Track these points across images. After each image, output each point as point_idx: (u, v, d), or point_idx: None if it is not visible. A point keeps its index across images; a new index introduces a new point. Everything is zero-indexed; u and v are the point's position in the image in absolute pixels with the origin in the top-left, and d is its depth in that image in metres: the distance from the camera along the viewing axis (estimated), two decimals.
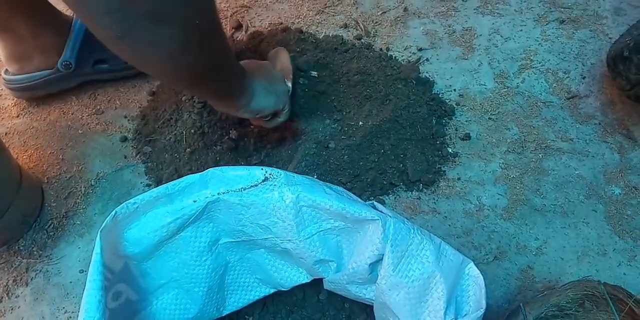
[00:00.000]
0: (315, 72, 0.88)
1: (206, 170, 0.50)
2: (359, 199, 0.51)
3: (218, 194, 0.49)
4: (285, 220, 0.49)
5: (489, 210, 0.80)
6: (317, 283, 0.60)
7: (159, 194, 0.48)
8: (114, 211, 0.46)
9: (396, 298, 0.46)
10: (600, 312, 0.61)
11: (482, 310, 0.45)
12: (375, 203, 0.51)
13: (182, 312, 0.53)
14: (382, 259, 0.47)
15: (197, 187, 0.49)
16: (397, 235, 0.46)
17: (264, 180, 0.49)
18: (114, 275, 0.44)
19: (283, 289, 0.59)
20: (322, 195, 0.48)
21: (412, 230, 0.47)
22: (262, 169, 0.49)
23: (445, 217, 0.80)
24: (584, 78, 0.95)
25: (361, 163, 0.83)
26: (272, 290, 0.60)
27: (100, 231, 0.45)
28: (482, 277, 0.47)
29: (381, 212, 0.48)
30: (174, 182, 0.48)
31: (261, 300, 0.62)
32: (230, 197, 0.50)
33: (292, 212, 0.48)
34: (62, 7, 1.06)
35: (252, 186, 0.49)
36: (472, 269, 0.47)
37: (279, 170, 0.49)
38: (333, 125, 0.85)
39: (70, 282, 0.77)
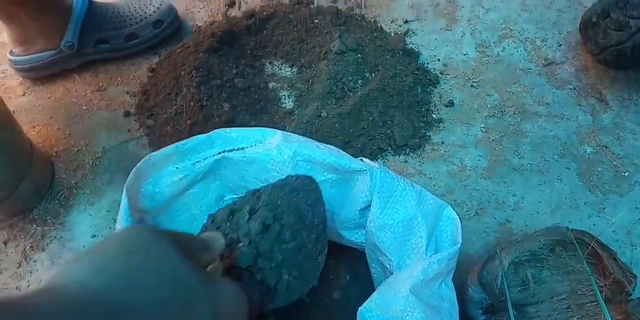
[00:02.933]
0: None
1: (212, 131, 0.55)
2: (348, 155, 0.56)
3: (223, 152, 0.55)
4: (284, 173, 0.55)
5: (470, 170, 0.87)
6: None
7: (170, 152, 0.53)
8: (135, 167, 0.52)
9: (383, 238, 0.52)
10: (569, 256, 0.68)
11: (459, 245, 0.51)
12: (364, 158, 0.56)
13: None
14: (370, 205, 0.53)
15: (204, 146, 0.55)
16: (383, 184, 0.52)
17: (263, 140, 0.54)
18: None
19: None
20: (315, 151, 0.53)
21: (396, 179, 0.53)
22: (261, 129, 0.55)
23: (430, 177, 0.86)
24: (560, 46, 1.01)
25: (352, 130, 0.89)
26: None
27: (125, 186, 0.50)
28: (458, 217, 0.53)
29: (369, 164, 0.54)
30: (184, 141, 0.54)
31: None
32: (234, 155, 0.55)
33: (290, 166, 0.54)
34: None
35: (253, 145, 0.55)
36: (449, 211, 0.54)
37: (275, 130, 0.55)
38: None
39: (84, 246, 0.82)
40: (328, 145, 0.57)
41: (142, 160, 0.52)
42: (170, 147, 0.54)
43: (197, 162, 0.55)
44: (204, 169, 0.55)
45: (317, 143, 0.56)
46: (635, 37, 0.77)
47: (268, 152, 0.54)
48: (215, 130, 0.55)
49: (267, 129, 0.55)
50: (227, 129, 0.55)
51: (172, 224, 0.58)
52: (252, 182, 0.58)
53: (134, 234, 0.34)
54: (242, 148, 0.55)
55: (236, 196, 0.60)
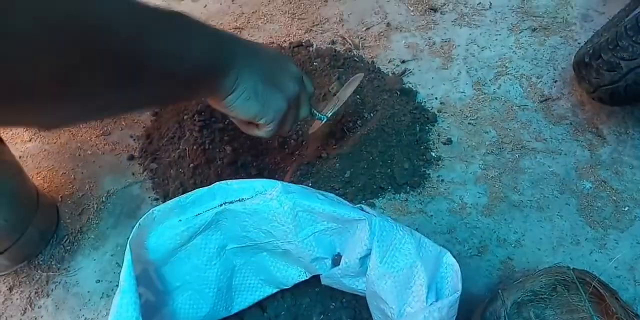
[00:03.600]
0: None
1: (214, 184, 0.57)
2: (348, 203, 0.58)
3: (224, 204, 0.56)
4: (284, 224, 0.56)
5: (470, 208, 0.87)
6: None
7: (172, 206, 0.54)
8: (137, 223, 0.53)
9: (384, 286, 0.52)
10: (571, 295, 0.68)
11: (459, 293, 0.51)
12: (363, 206, 0.57)
13: (195, 311, 0.60)
14: (370, 254, 0.54)
15: (206, 199, 0.56)
16: (382, 232, 0.53)
17: (264, 191, 0.56)
18: (136, 279, 0.51)
19: (285, 288, 0.66)
20: (315, 201, 0.55)
21: (395, 227, 0.54)
22: (262, 181, 0.56)
23: (431, 216, 0.87)
24: (555, 82, 1.03)
25: (352, 170, 0.90)
26: (275, 290, 0.67)
27: (129, 240, 0.52)
28: (457, 264, 0.54)
29: (368, 213, 0.55)
30: (186, 195, 0.55)
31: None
32: (235, 207, 0.56)
33: (290, 217, 0.55)
34: None
35: (254, 196, 0.56)
36: (449, 258, 0.54)
37: (276, 181, 0.56)
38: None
39: (88, 292, 0.83)
40: (328, 194, 0.58)
41: (145, 215, 0.54)
42: (173, 201, 0.55)
43: (199, 214, 0.56)
44: (205, 221, 0.56)
45: (317, 192, 0.57)
46: (628, 77, 0.79)
47: (268, 203, 0.56)
48: (217, 183, 0.56)
49: (267, 180, 0.56)
50: (229, 181, 0.56)
51: (174, 273, 0.59)
52: (253, 233, 0.59)
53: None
54: (243, 199, 0.56)
55: (237, 246, 0.61)
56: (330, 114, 0.79)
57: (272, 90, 0.58)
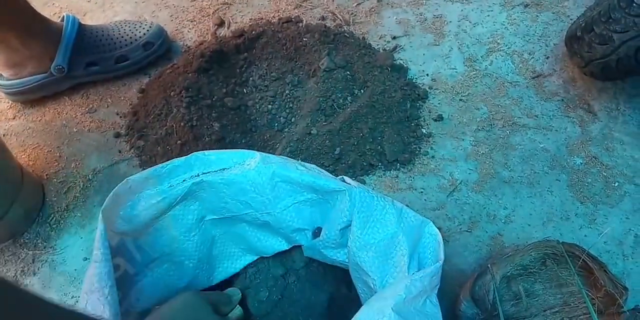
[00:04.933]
0: None
1: (191, 154, 0.55)
2: (329, 174, 0.57)
3: (201, 174, 0.55)
4: (263, 195, 0.55)
5: (461, 184, 0.86)
6: None
7: (148, 175, 0.53)
8: (112, 192, 0.52)
9: (365, 257, 0.52)
10: (561, 269, 0.68)
11: (441, 262, 0.51)
12: (345, 177, 0.56)
13: (175, 282, 0.60)
14: (350, 225, 0.53)
15: (183, 169, 0.55)
16: (363, 203, 0.52)
17: (242, 162, 0.55)
18: (112, 250, 0.50)
19: (266, 256, 0.65)
20: (294, 171, 0.53)
21: (376, 198, 0.53)
22: (240, 151, 0.55)
23: (422, 192, 0.86)
24: (547, 58, 1.01)
25: (342, 146, 0.89)
26: (256, 257, 0.66)
27: (102, 210, 0.51)
28: (439, 234, 0.53)
29: (348, 184, 0.54)
30: (162, 164, 0.54)
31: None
32: (213, 177, 0.55)
33: (269, 187, 0.54)
34: (47, 12, 1.11)
35: (231, 167, 0.55)
36: (431, 228, 0.53)
37: (254, 151, 0.55)
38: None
39: (75, 270, 0.82)
40: (308, 165, 0.57)
41: (120, 184, 0.53)
42: (148, 170, 0.54)
43: (175, 184, 0.55)
44: (182, 192, 0.55)
45: (297, 163, 0.56)
46: (619, 50, 0.77)
47: (246, 174, 0.55)
48: (194, 153, 0.55)
49: (246, 151, 0.55)
50: (206, 152, 0.55)
51: (153, 245, 0.58)
52: (231, 204, 0.58)
53: (188, 298, 0.55)
54: (221, 170, 0.55)
55: (216, 217, 0.60)
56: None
57: None
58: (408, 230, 0.52)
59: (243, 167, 0.55)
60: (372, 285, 0.53)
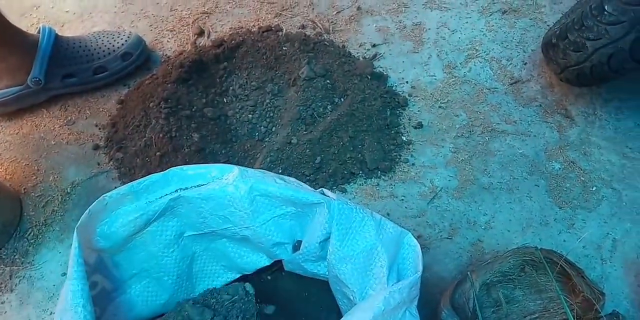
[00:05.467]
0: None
1: (167, 170, 0.55)
2: (308, 187, 0.57)
3: (179, 190, 0.55)
4: (242, 209, 0.55)
5: (441, 191, 0.87)
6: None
7: (125, 192, 0.53)
8: (88, 209, 0.51)
9: (345, 270, 0.52)
10: (539, 275, 0.68)
11: (419, 273, 0.51)
12: (324, 190, 0.56)
13: (154, 298, 0.59)
14: (330, 237, 0.53)
15: (160, 185, 0.55)
16: (341, 215, 0.52)
17: (220, 176, 0.54)
18: (90, 267, 0.50)
19: (247, 273, 0.65)
20: (272, 185, 0.53)
21: (355, 210, 0.53)
22: (218, 166, 0.55)
23: (402, 200, 0.86)
24: (525, 64, 1.02)
25: (322, 155, 0.89)
26: (238, 275, 0.66)
27: (77, 227, 0.50)
28: (418, 245, 0.53)
29: (327, 196, 0.54)
30: (139, 180, 0.54)
31: None
32: (191, 193, 0.55)
33: (247, 202, 0.54)
34: (25, 23, 1.10)
35: (209, 182, 0.54)
36: (410, 239, 0.54)
37: (232, 166, 0.55)
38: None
39: (54, 285, 0.81)
40: (288, 178, 0.57)
41: (96, 201, 0.52)
42: (125, 187, 0.54)
43: (153, 200, 0.54)
44: (160, 208, 0.55)
45: (276, 176, 0.56)
46: (593, 57, 0.79)
47: (224, 189, 0.54)
48: (171, 169, 0.55)
49: (224, 165, 0.55)
50: (184, 167, 0.55)
51: (131, 261, 0.58)
52: (210, 219, 0.58)
53: None
54: (199, 185, 0.55)
55: (195, 233, 0.60)
56: None
57: None
58: (387, 241, 0.52)
59: (221, 182, 0.54)
60: (351, 297, 0.53)
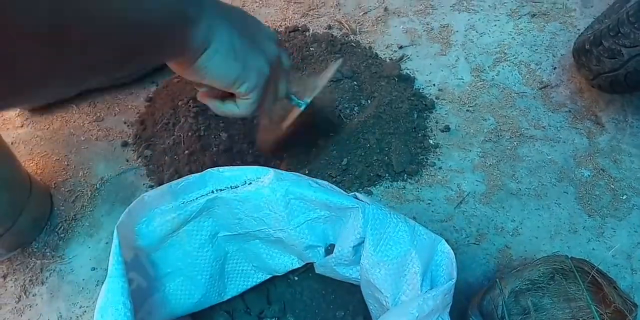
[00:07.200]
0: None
1: (205, 171, 0.56)
2: (342, 191, 0.57)
3: (216, 191, 0.55)
4: (277, 212, 0.55)
5: (468, 196, 0.86)
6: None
7: (164, 192, 0.54)
8: (127, 208, 0.52)
9: (378, 275, 0.52)
10: (569, 284, 0.68)
11: (454, 281, 0.51)
12: (357, 194, 0.57)
13: (187, 296, 0.60)
14: (363, 242, 0.53)
15: (197, 186, 0.55)
16: (376, 220, 0.52)
17: (256, 179, 0.55)
18: (126, 265, 0.50)
19: (278, 274, 0.65)
20: (307, 189, 0.54)
21: (389, 215, 0.53)
22: (254, 168, 0.55)
23: (429, 204, 0.86)
24: (554, 69, 1.01)
25: (349, 157, 0.89)
26: (268, 276, 0.67)
27: (117, 226, 0.51)
28: (452, 252, 0.53)
29: (362, 201, 0.55)
30: (177, 181, 0.54)
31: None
32: (227, 194, 0.56)
33: (282, 204, 0.55)
34: None
35: (246, 184, 0.55)
36: (444, 246, 0.53)
37: (268, 168, 0.55)
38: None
39: (83, 280, 0.82)
40: (320, 181, 0.57)
41: (135, 200, 0.53)
42: (164, 187, 0.54)
43: (190, 201, 0.55)
44: (197, 208, 0.56)
45: (310, 180, 0.56)
46: (628, 65, 0.78)
47: (260, 191, 0.55)
48: (209, 170, 0.55)
49: (259, 168, 0.56)
50: (220, 168, 0.55)
51: (166, 260, 0.58)
52: (245, 220, 0.58)
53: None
54: (235, 186, 0.55)
55: (229, 233, 0.60)
56: (310, 100, 0.67)
57: (251, 47, 0.49)
58: (421, 247, 0.52)
59: (257, 184, 0.55)
60: (384, 303, 0.53)
